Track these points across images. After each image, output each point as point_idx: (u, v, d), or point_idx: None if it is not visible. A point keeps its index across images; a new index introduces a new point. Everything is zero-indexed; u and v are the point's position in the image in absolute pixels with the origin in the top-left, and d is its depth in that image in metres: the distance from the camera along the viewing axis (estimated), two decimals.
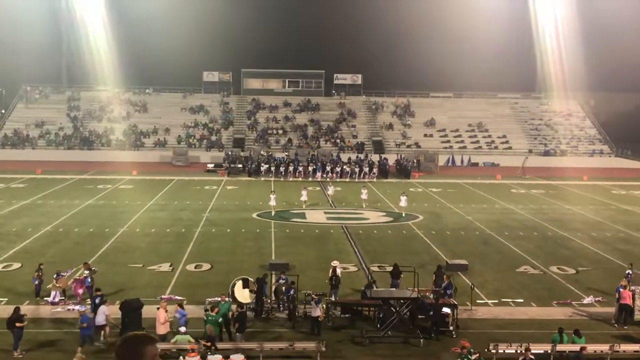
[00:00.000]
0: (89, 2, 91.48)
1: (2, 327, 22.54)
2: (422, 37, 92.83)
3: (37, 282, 26.48)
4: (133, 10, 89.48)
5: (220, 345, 21.36)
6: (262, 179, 64.07)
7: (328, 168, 67.09)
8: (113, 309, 23.30)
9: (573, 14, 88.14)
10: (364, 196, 48.96)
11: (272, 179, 63.93)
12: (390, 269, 28.65)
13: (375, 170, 66.93)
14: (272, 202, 45.38)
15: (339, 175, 66.05)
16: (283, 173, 65.59)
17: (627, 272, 28.35)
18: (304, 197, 47.82)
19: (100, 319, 22.49)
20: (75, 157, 77.98)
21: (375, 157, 74.47)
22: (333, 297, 26.14)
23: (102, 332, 22.52)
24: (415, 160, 74.02)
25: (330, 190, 52.80)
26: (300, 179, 64.03)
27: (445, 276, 26.64)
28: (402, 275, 27.23)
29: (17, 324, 21.33)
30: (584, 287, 29.26)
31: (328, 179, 62.82)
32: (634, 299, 25.09)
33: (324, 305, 24.20)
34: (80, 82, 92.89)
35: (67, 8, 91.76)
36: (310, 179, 64.03)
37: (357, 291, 27.20)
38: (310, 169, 67.37)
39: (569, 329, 22.07)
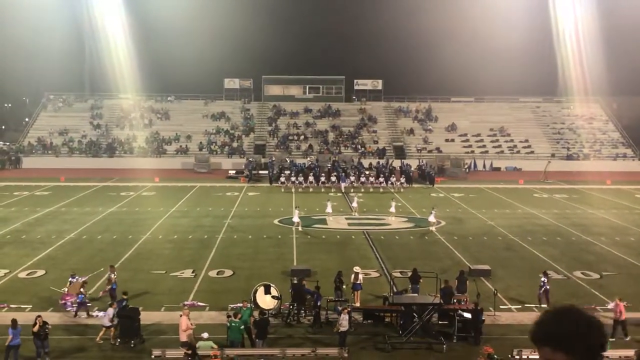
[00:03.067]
0: (110, 11, 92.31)
1: (29, 333, 22.82)
2: (443, 42, 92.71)
3: (80, 299, 25.89)
4: (154, 19, 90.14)
5: (242, 352, 21.39)
6: (282, 190, 61.11)
7: (352, 178, 64.11)
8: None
9: (594, 17, 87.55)
10: (392, 209, 46.97)
11: (293, 189, 61.12)
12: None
13: (403, 179, 63.77)
14: (296, 218, 42.70)
15: (363, 184, 63.04)
16: (303, 182, 62.65)
17: (542, 280, 27.39)
18: (329, 209, 46.45)
19: (105, 321, 22.91)
20: (98, 164, 78.70)
21: (396, 163, 74.32)
22: (337, 297, 26.25)
23: (111, 333, 22.94)
24: (436, 166, 73.37)
25: (355, 202, 49.58)
26: (322, 189, 61.55)
27: (444, 281, 26.38)
28: (421, 280, 27.17)
29: (33, 329, 21.22)
30: (608, 292, 28.94)
31: (352, 190, 59.73)
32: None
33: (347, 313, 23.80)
34: (103, 90, 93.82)
35: (89, 17, 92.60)
36: (333, 189, 61.37)
37: (379, 297, 27.13)
38: (333, 178, 63.89)
39: None
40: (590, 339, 3.67)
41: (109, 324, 22.91)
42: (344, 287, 26.89)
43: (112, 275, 27.24)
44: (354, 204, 49.29)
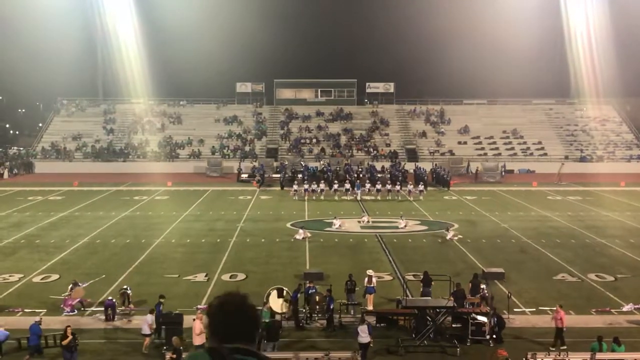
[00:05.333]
0: (123, 16, 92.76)
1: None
2: (455, 44, 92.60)
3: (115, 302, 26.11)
4: (166, 24, 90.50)
5: None
6: (296, 197, 57.52)
7: (368, 185, 60.39)
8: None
9: (607, 18, 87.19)
10: (402, 225, 44.24)
11: (306, 197, 57.57)
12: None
13: (421, 186, 58.35)
14: (300, 237, 40.57)
15: (379, 192, 58.69)
16: (316, 189, 58.54)
17: (482, 286, 26.58)
18: (336, 225, 44.12)
19: (145, 328, 22.74)
20: (111, 169, 78.95)
21: (408, 166, 74.16)
22: (349, 300, 26.47)
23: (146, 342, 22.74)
24: (449, 169, 72.64)
25: (365, 218, 46.70)
26: (336, 197, 57.75)
27: (456, 284, 26.25)
28: (432, 283, 27.13)
29: (63, 342, 20.92)
30: (623, 295, 28.79)
31: (367, 195, 56.51)
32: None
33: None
34: (116, 95, 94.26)
35: (102, 22, 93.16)
36: (347, 197, 57.76)
37: (391, 300, 27.08)
38: (347, 185, 59.66)
39: (608, 337, 21.72)
40: (217, 325, 4.63)
41: (148, 331, 22.54)
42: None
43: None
44: (365, 218, 46.73)
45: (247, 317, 4.70)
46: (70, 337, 21.01)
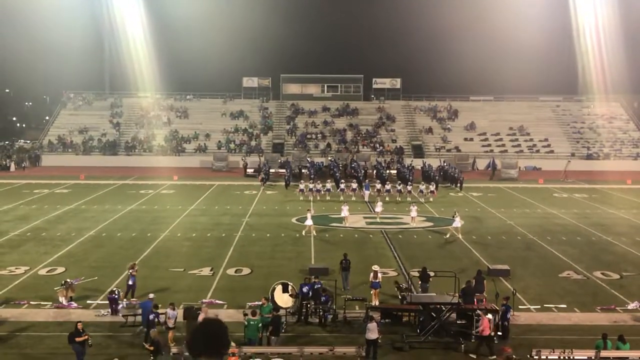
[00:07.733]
0: (130, 10, 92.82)
1: (49, 330, 23.04)
2: (462, 40, 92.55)
3: (130, 283, 26.87)
4: (173, 18, 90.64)
5: (259, 350, 21.40)
6: (301, 198, 54.70)
7: (378, 186, 56.25)
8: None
9: (615, 15, 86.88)
10: (413, 213, 44.22)
11: (311, 197, 55.12)
12: (434, 274, 28.30)
13: (432, 187, 55.54)
14: (309, 222, 40.54)
15: (388, 192, 55.06)
16: (321, 189, 55.74)
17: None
18: (344, 213, 44.20)
19: (171, 323, 22.71)
20: (117, 162, 79.18)
21: (415, 162, 74.07)
22: (345, 280, 27.52)
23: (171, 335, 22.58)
24: (455, 166, 72.10)
25: (379, 207, 46.34)
26: (341, 197, 54.18)
27: (466, 281, 26.14)
28: (430, 279, 27.14)
29: (77, 339, 20.73)
30: (628, 293, 28.73)
31: (378, 197, 51.84)
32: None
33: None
34: (122, 89, 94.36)
35: (109, 16, 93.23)
36: (354, 197, 54.71)
37: (396, 297, 27.07)
38: (354, 184, 57.19)
39: (613, 335, 21.68)
40: (187, 343, 5.51)
41: (172, 325, 22.48)
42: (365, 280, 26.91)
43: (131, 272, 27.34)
44: (378, 209, 46.41)
45: (208, 334, 5.38)
46: (86, 336, 20.95)
